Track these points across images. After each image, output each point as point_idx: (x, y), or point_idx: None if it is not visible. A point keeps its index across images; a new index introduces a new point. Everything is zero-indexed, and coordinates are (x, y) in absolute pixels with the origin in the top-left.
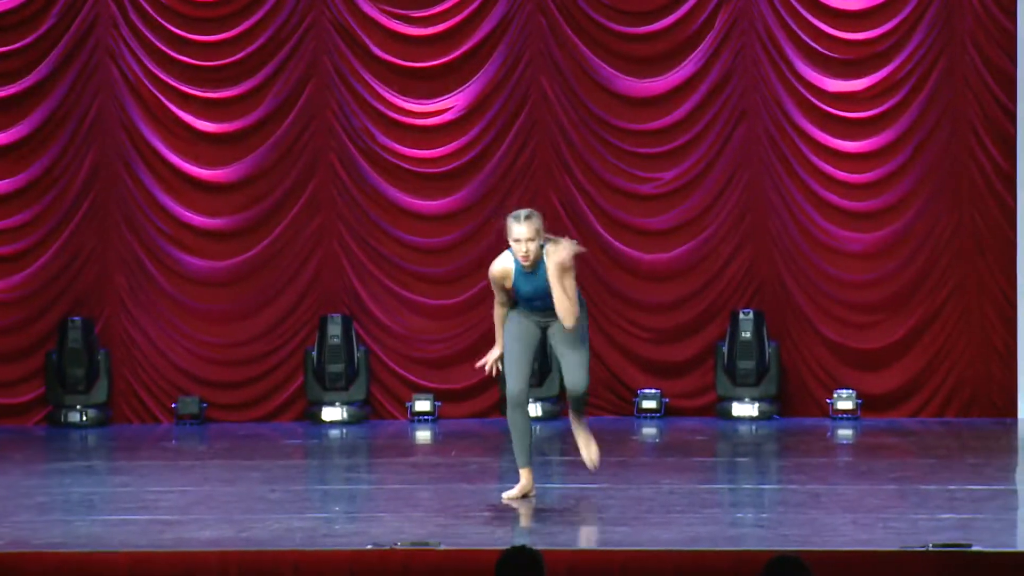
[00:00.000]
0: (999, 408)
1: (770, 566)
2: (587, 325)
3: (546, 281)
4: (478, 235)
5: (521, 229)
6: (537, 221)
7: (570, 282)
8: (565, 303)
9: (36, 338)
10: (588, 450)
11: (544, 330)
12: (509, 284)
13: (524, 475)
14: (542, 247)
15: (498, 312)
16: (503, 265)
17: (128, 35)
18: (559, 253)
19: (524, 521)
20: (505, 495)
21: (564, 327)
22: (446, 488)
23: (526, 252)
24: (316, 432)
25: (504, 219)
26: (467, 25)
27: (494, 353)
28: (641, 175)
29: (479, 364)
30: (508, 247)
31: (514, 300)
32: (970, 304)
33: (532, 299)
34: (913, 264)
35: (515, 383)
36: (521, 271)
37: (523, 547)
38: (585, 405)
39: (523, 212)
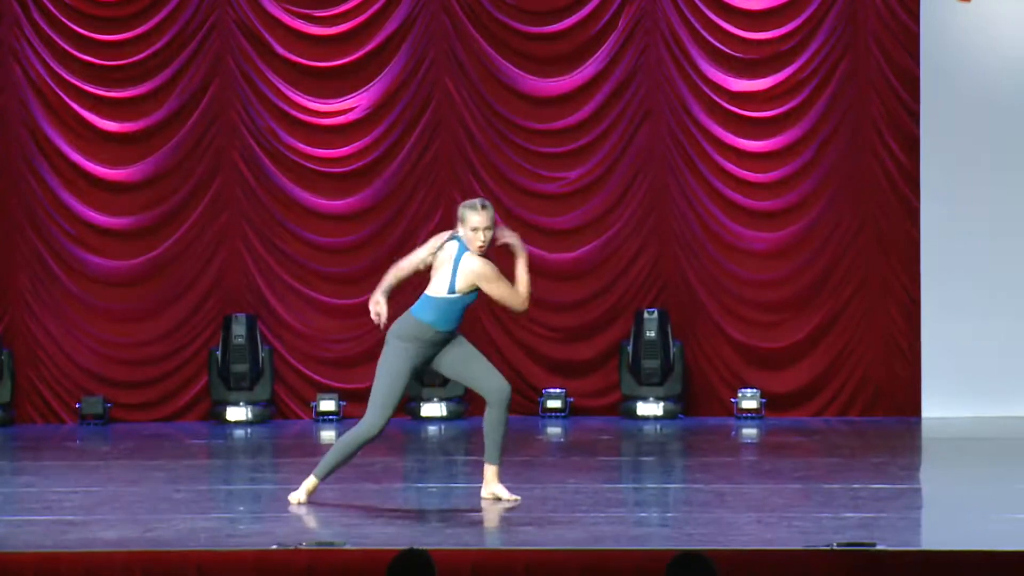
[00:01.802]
0: (903, 407)
1: (674, 562)
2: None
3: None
4: (383, 234)
5: (479, 217)
6: (492, 211)
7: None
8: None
9: None
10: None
11: (426, 363)
12: (443, 265)
13: (312, 482)
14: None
15: (402, 269)
16: (452, 245)
17: (31, 34)
18: (480, 269)
19: (429, 520)
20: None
21: (452, 350)
22: (351, 488)
23: (483, 242)
24: (221, 432)
25: (458, 208)
26: (371, 25)
27: (381, 304)
28: (545, 174)
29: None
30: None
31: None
32: (874, 303)
33: (464, 298)
34: (817, 263)
35: (379, 421)
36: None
37: (412, 549)
38: (503, 407)
39: (479, 201)
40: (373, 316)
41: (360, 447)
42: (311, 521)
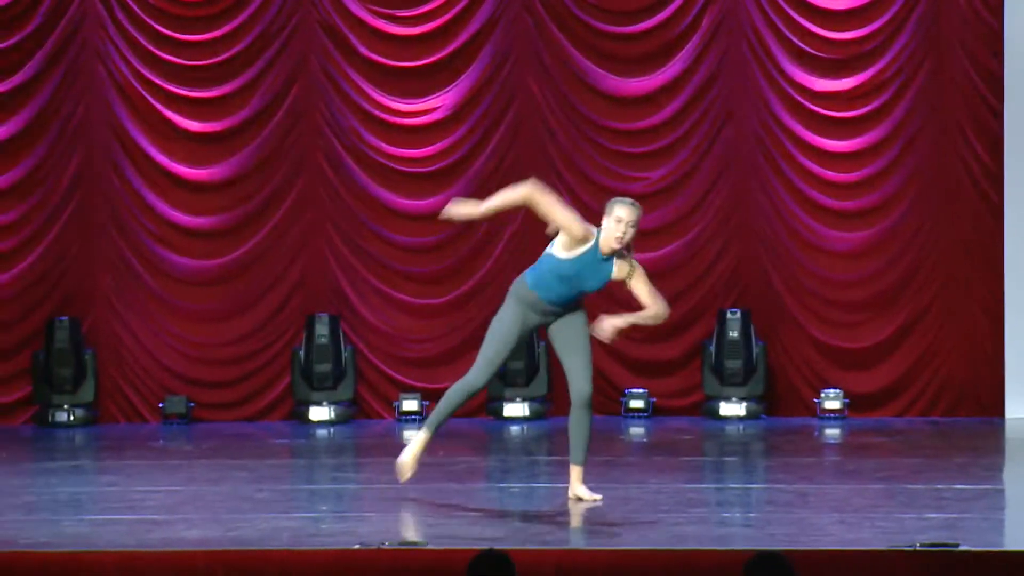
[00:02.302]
0: (986, 407)
1: (751, 562)
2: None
3: (597, 276)
4: (465, 234)
5: (627, 211)
6: (640, 213)
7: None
8: (656, 311)
9: (22, 338)
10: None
11: (539, 328)
12: (571, 247)
13: (424, 435)
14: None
15: (525, 190)
16: (588, 231)
17: (115, 35)
18: (629, 267)
19: (511, 520)
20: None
21: (568, 322)
22: (434, 488)
23: (622, 235)
24: (303, 431)
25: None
26: (454, 24)
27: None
28: (628, 174)
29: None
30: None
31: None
32: (957, 303)
33: (565, 282)
34: (900, 263)
35: (482, 379)
36: (590, 254)
37: (492, 550)
38: (585, 408)
39: (630, 199)
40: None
41: (466, 399)
42: (394, 521)
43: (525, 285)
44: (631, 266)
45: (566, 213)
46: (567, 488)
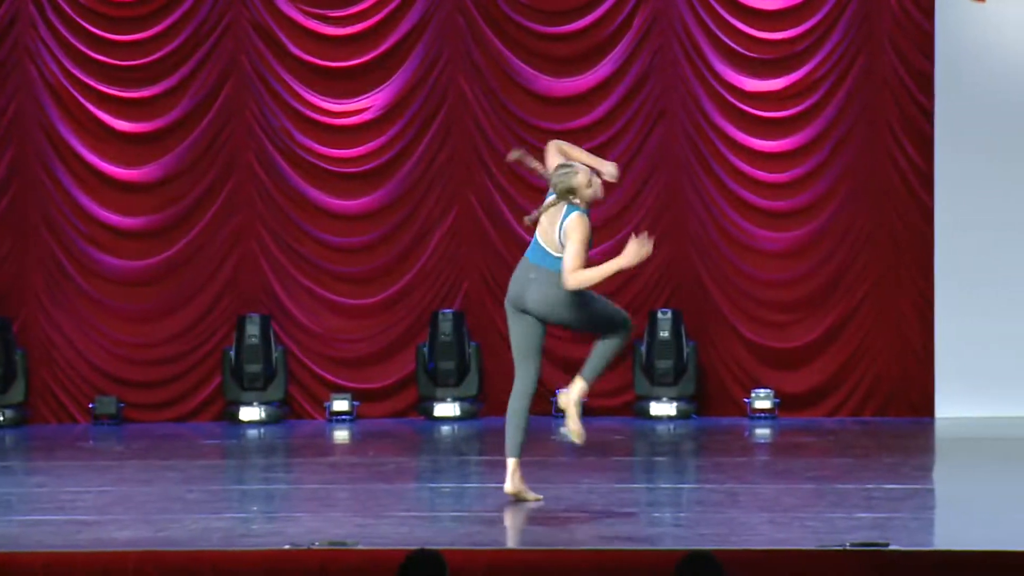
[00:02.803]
0: (916, 407)
1: (683, 562)
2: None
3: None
4: (396, 234)
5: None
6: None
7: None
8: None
9: None
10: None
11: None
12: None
13: (512, 463)
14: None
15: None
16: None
17: (46, 35)
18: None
19: (442, 520)
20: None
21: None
22: (364, 488)
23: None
24: (234, 432)
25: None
26: (385, 25)
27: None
28: None
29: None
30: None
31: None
32: (887, 303)
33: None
34: (830, 263)
35: (524, 376)
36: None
37: (424, 549)
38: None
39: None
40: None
41: (527, 407)
42: (323, 521)
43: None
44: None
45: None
46: (501, 486)
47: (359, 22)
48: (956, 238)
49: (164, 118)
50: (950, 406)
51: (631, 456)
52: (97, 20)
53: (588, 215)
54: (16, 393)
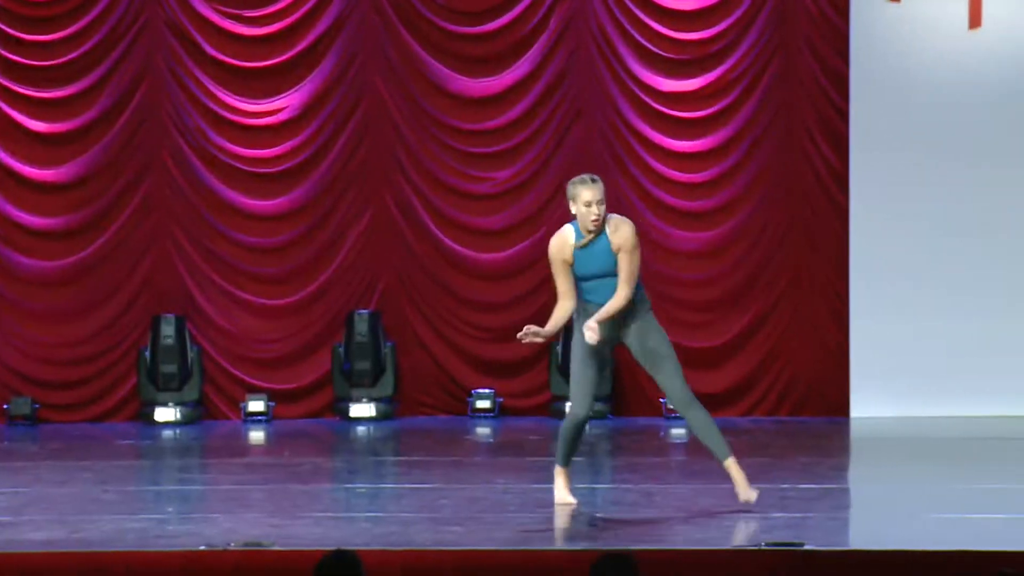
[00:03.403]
0: (832, 407)
1: (598, 563)
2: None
3: (607, 256)
4: (312, 235)
5: (591, 192)
6: (602, 184)
7: (631, 261)
8: (619, 299)
9: None
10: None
11: (616, 339)
12: (569, 258)
13: (561, 473)
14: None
15: (561, 308)
16: (561, 237)
17: None
18: (623, 228)
19: (357, 521)
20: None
21: (641, 334)
22: (279, 488)
23: (597, 215)
24: (149, 432)
25: (566, 187)
26: (301, 25)
27: (541, 330)
28: (476, 175)
29: (519, 335)
30: (570, 221)
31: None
32: (803, 303)
33: (591, 279)
34: (746, 263)
35: (579, 408)
36: (579, 248)
37: (340, 550)
38: (691, 409)
39: (588, 176)
40: (526, 338)
41: (576, 431)
42: (239, 522)
43: (580, 300)
44: (617, 230)
45: (556, 274)
46: (417, 486)
47: (275, 22)
48: (871, 238)
49: (79, 118)
50: (865, 406)
51: (547, 456)
52: (11, 20)
53: (571, 234)
54: None
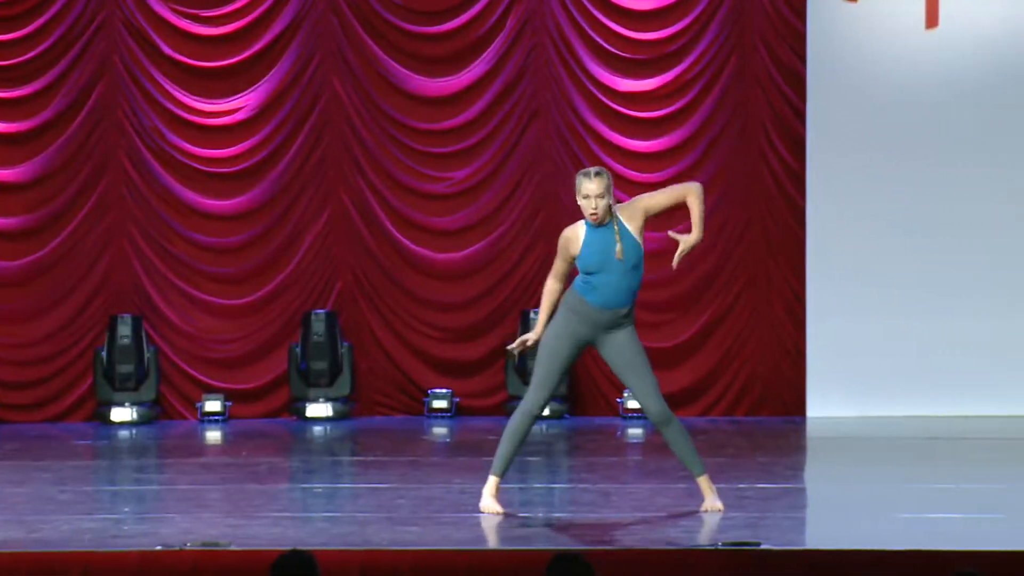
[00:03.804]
0: (788, 407)
1: (552, 564)
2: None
3: (615, 246)
4: (269, 235)
5: (591, 185)
6: (607, 179)
7: (665, 193)
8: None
9: None
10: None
11: (592, 344)
12: (576, 249)
13: (493, 481)
14: (611, 208)
15: (550, 287)
16: (574, 231)
17: None
18: (636, 203)
19: (314, 521)
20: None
21: (622, 344)
22: (236, 488)
23: (595, 209)
24: (106, 432)
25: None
26: (258, 25)
27: (529, 337)
28: (433, 174)
29: (510, 347)
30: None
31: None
32: (760, 303)
33: (599, 272)
34: (703, 263)
35: (535, 404)
36: (591, 236)
37: (296, 550)
38: (669, 426)
39: (593, 169)
40: (517, 347)
41: (526, 428)
42: (196, 521)
43: (576, 294)
44: (632, 208)
45: (558, 257)
46: (374, 486)
47: (232, 22)
48: (828, 238)
49: (36, 118)
50: (822, 405)
51: None
52: None
53: (582, 227)
54: None
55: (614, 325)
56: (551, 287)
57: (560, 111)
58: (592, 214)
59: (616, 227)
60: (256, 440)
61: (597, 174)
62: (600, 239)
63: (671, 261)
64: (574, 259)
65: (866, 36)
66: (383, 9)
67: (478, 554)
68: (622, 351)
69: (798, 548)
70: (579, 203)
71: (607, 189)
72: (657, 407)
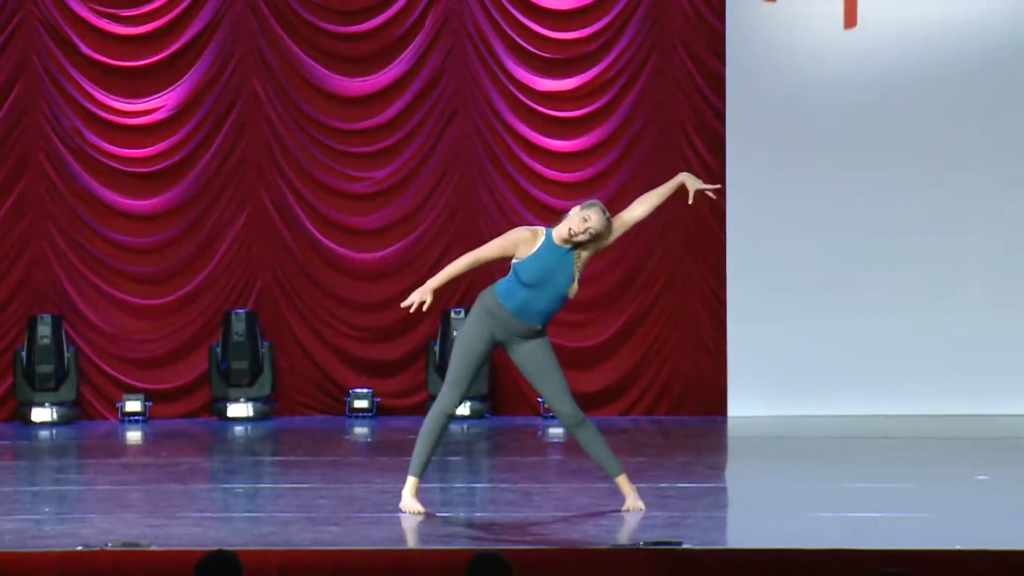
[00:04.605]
0: (709, 406)
1: (472, 563)
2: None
3: (566, 276)
4: (189, 234)
5: (597, 221)
6: (609, 227)
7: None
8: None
9: None
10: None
11: (502, 346)
12: (525, 253)
13: (412, 481)
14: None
15: (465, 261)
16: (535, 231)
17: None
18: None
19: (235, 521)
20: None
21: (535, 350)
22: (157, 489)
23: (579, 229)
24: (26, 433)
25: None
26: (177, 24)
27: (425, 294)
28: (353, 174)
29: (404, 304)
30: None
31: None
32: (680, 302)
33: (534, 287)
34: (624, 262)
35: (450, 403)
36: (547, 250)
37: (219, 550)
38: (582, 428)
39: (601, 206)
40: (415, 306)
41: (442, 428)
42: (116, 522)
43: (495, 297)
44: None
45: (497, 241)
46: (294, 486)
47: (150, 21)
48: (747, 238)
49: None
50: (742, 405)
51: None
52: None
53: (542, 235)
54: None
55: (527, 335)
56: (466, 262)
57: (479, 111)
58: (571, 229)
59: (578, 264)
60: (177, 440)
61: (604, 214)
62: (554, 259)
63: (591, 262)
64: (513, 260)
65: (785, 36)
66: (302, 9)
67: (399, 554)
68: (533, 355)
69: (719, 547)
70: (571, 214)
71: (598, 233)
72: (569, 409)
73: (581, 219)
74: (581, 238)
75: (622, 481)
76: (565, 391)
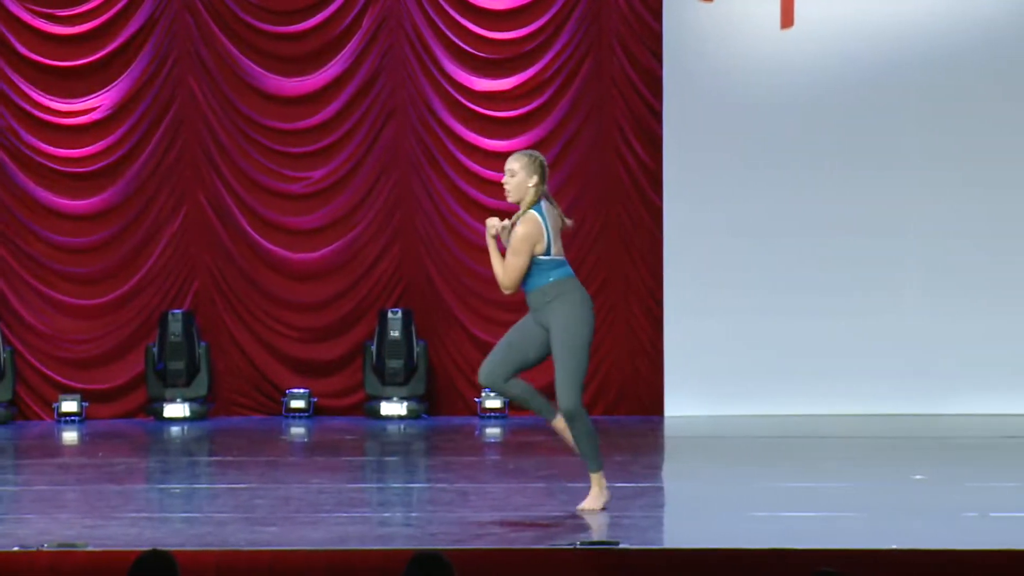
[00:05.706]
0: (646, 406)
1: (412, 563)
2: (583, 332)
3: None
4: (125, 234)
5: (509, 164)
6: (529, 162)
7: (513, 259)
8: (498, 270)
9: None
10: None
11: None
12: (544, 242)
13: (598, 477)
14: (538, 193)
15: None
16: (534, 217)
17: None
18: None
19: (172, 521)
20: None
21: (553, 333)
22: (93, 489)
23: (504, 184)
24: None
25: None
26: (113, 24)
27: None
28: (290, 174)
29: (497, 224)
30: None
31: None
32: (617, 302)
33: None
34: None
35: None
36: (544, 217)
37: (155, 550)
38: (571, 423)
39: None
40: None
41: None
42: (53, 522)
43: (576, 281)
44: (519, 219)
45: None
46: (231, 486)
47: (86, 21)
48: (685, 238)
49: None
50: (679, 405)
51: (362, 456)
52: None
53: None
54: None
55: (537, 304)
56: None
57: (417, 111)
58: (506, 191)
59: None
60: (113, 440)
61: (525, 154)
62: (551, 220)
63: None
64: (538, 254)
65: (722, 36)
66: (238, 8)
67: (336, 554)
68: (550, 342)
69: (656, 547)
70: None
71: (519, 168)
72: (561, 402)
73: (506, 182)
74: (511, 186)
75: (597, 479)
76: (563, 381)
